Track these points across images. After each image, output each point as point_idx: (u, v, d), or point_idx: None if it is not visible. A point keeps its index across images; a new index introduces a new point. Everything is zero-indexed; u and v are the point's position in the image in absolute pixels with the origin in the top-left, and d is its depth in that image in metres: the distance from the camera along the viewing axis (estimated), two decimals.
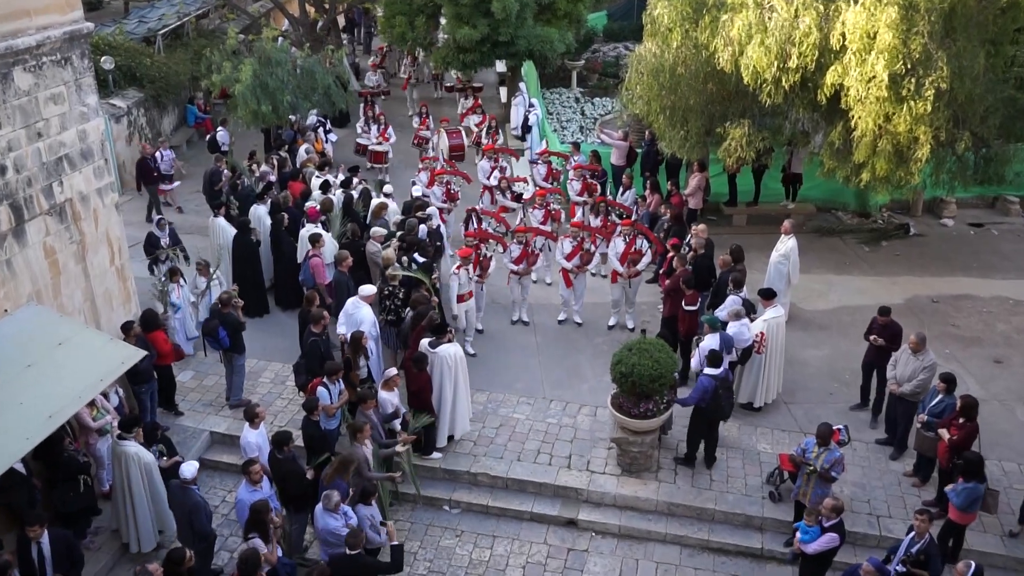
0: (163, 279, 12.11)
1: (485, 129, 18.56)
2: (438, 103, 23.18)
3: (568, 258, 13.10)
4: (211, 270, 12.52)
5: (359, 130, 19.30)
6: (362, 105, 20.03)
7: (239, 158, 17.27)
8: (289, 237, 13.69)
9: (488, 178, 16.15)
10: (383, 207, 14.02)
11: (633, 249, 12.82)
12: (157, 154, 17.33)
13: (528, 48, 19.52)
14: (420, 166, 16.41)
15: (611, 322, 13.35)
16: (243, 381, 11.71)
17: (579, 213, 14.99)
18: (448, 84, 23.16)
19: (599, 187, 15.60)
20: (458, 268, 12.07)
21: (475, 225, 13.89)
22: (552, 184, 16.14)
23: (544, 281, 14.66)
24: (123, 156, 18.55)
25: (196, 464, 8.84)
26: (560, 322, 13.45)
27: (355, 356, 10.52)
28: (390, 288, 11.69)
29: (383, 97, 21.74)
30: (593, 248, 13.21)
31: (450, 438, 10.73)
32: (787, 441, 10.92)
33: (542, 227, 14.16)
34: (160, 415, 11.14)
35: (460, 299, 12.25)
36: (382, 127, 18.85)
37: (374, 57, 24.50)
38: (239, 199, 14.76)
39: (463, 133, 18.88)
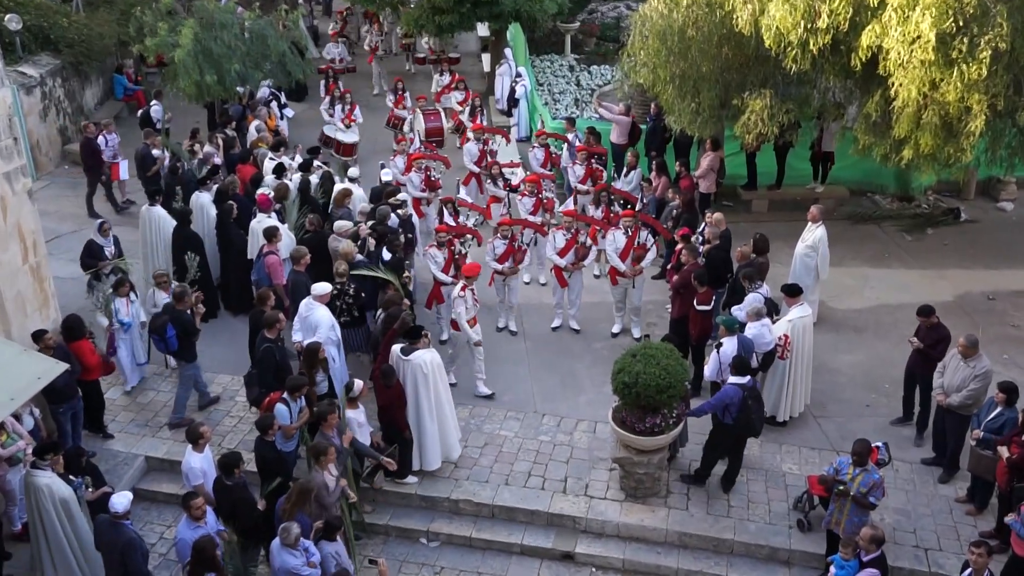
0: (107, 290, 11.70)
1: (468, 109, 18.44)
2: (410, 79, 23.02)
3: (561, 254, 13.01)
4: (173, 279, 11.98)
5: (324, 115, 19.02)
6: (323, 83, 19.90)
7: (178, 138, 17.13)
8: (239, 230, 13.60)
9: (477, 164, 16.06)
10: (347, 194, 13.96)
11: (636, 243, 12.78)
12: (101, 138, 16.77)
13: (514, 8, 19.51)
14: (395, 148, 16.34)
15: (615, 328, 13.33)
16: (187, 397, 11.63)
17: (570, 201, 14.89)
18: (420, 55, 23.11)
19: (602, 175, 15.55)
20: (464, 289, 11.62)
21: (450, 217, 13.78)
22: (548, 171, 16.10)
23: (538, 281, 14.65)
24: (37, 134, 18.37)
25: (129, 495, 8.74)
26: (554, 329, 13.44)
27: (310, 371, 10.46)
28: (338, 286, 11.65)
29: (346, 73, 21.57)
30: (590, 242, 13.20)
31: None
32: (817, 461, 10.92)
33: (531, 218, 14.12)
34: (85, 439, 11.02)
35: (471, 324, 11.87)
36: (348, 107, 18.72)
37: (334, 24, 24.30)
38: (179, 186, 14.62)
39: (442, 114, 18.77)
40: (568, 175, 15.77)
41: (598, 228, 13.54)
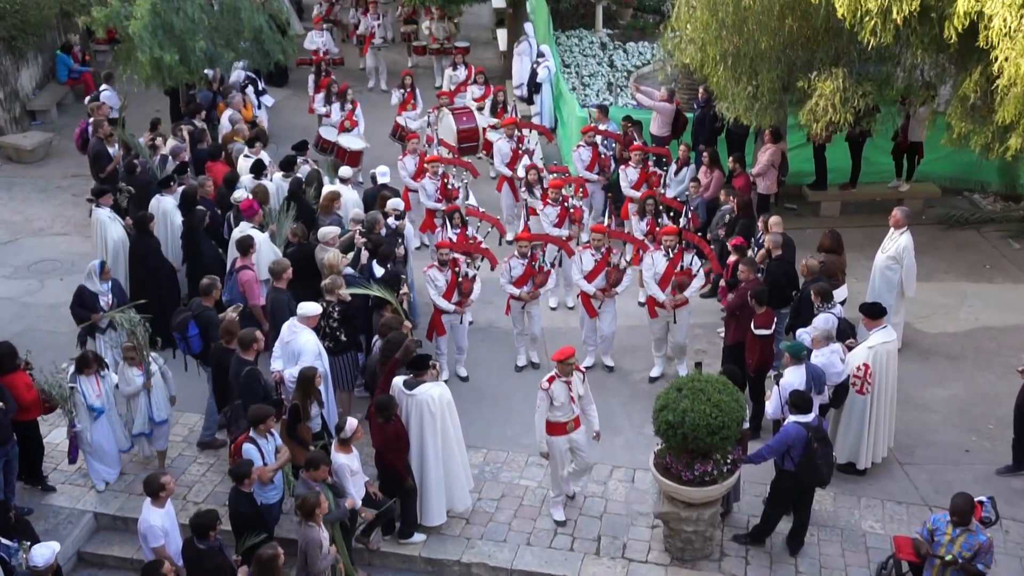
0: (68, 374, 10.98)
1: (489, 106, 18.31)
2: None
3: (589, 278, 12.86)
4: (148, 352, 11.24)
5: (318, 111, 18.70)
6: (313, 77, 19.74)
7: (136, 130, 17.26)
8: (210, 241, 13.67)
9: (509, 165, 15.92)
10: (334, 198, 14.02)
11: (679, 268, 12.65)
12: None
13: None
14: (407, 146, 16.23)
15: (654, 372, 13.19)
16: (215, 408, 11.76)
17: (588, 211, 14.54)
18: (420, 44, 22.85)
19: (660, 179, 15.30)
20: (551, 382, 10.53)
21: (454, 231, 13.60)
22: (598, 175, 15.98)
23: (565, 305, 14.60)
24: None
25: (54, 547, 8.63)
26: (586, 369, 13.31)
27: (304, 402, 10.47)
28: (324, 304, 11.66)
29: (333, 66, 21.21)
30: (624, 263, 12.97)
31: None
32: (905, 518, 10.85)
33: (554, 231, 14.00)
34: (20, 492, 11.05)
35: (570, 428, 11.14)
36: (348, 107, 18.26)
37: (318, 7, 24.00)
38: (137, 186, 14.74)
39: (475, 113, 18.27)
40: (621, 179, 15.48)
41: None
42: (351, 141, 17.63)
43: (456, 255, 12.79)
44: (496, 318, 13.87)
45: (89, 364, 10.97)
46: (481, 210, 14.66)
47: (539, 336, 13.46)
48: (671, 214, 14.04)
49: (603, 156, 16.09)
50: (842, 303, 12.06)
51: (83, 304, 12.34)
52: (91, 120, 16.29)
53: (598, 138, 16.20)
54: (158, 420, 11.32)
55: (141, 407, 11.22)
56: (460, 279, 12.62)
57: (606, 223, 13.51)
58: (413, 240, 14.39)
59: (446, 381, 12.41)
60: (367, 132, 18.48)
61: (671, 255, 12.62)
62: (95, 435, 11.06)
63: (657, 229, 13.55)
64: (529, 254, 12.88)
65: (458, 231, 13.61)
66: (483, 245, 13.52)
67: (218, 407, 11.51)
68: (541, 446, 10.74)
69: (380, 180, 14.93)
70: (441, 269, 12.59)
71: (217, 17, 17.62)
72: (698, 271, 12.69)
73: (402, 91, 18.82)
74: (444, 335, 12.83)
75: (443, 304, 12.60)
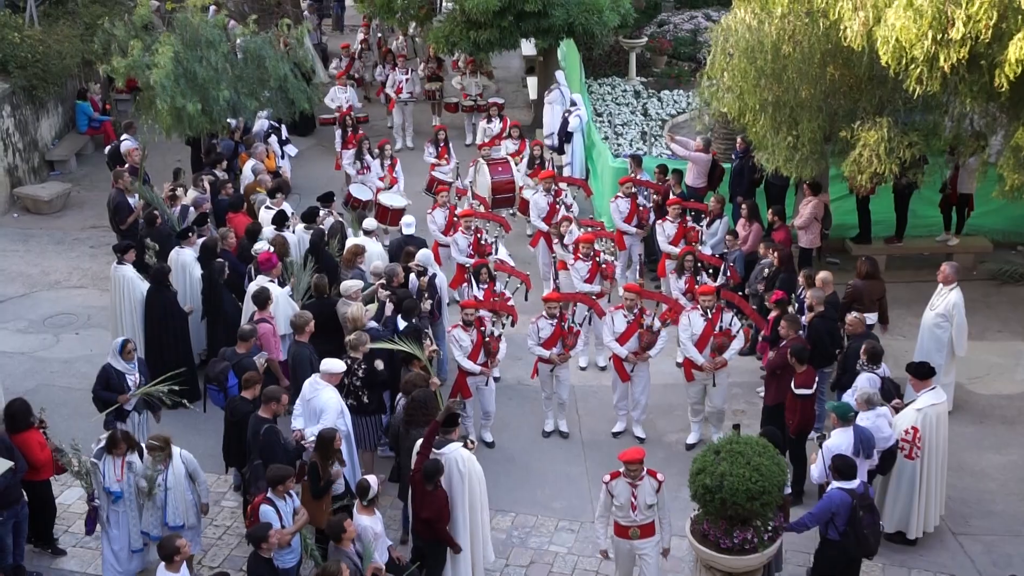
0: (89, 459, 10.53)
1: (526, 161, 18.24)
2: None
3: (621, 340, 12.69)
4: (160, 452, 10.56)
5: (347, 169, 18.68)
6: (338, 133, 19.49)
7: (156, 180, 17.49)
8: (231, 295, 13.77)
9: (546, 220, 15.87)
10: (358, 251, 14.08)
11: (718, 327, 12.52)
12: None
13: (567, 20, 19.82)
14: (436, 200, 16.24)
15: (691, 439, 13.04)
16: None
17: (625, 265, 14.41)
18: (451, 101, 22.51)
19: (699, 234, 15.18)
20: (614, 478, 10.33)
21: (480, 289, 13.57)
22: (636, 228, 15.93)
23: (596, 364, 14.54)
24: None
25: None
26: (615, 435, 13.21)
27: (324, 464, 10.46)
28: (347, 361, 11.68)
29: (359, 123, 20.55)
30: (658, 325, 12.76)
31: None
32: None
33: (585, 287, 13.92)
34: (29, 556, 11.05)
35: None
36: (387, 164, 18.07)
37: (336, 62, 23.75)
38: (156, 239, 14.84)
39: (512, 165, 18.18)
40: (659, 234, 15.41)
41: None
42: (392, 199, 17.38)
43: (482, 314, 12.74)
44: (524, 375, 13.84)
45: (117, 444, 10.39)
46: (511, 265, 14.67)
47: (567, 400, 13.31)
48: (710, 271, 13.97)
49: (641, 208, 16.04)
50: (870, 327, 12.14)
51: (109, 386, 11.71)
52: (117, 185, 16.32)
53: (636, 188, 16.15)
54: (172, 524, 10.46)
55: (156, 500, 10.51)
56: (486, 339, 12.53)
57: (638, 282, 13.38)
58: (445, 292, 14.41)
59: (491, 444, 12.50)
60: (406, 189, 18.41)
61: (709, 315, 12.51)
62: (111, 523, 10.56)
63: (696, 287, 13.47)
64: (558, 314, 12.77)
65: (485, 287, 13.60)
66: (510, 302, 13.49)
67: (224, 457, 11.56)
68: (599, 543, 10.46)
69: (405, 231, 15.02)
70: (466, 329, 12.50)
71: (241, 66, 17.86)
72: (738, 331, 12.57)
73: (435, 147, 18.81)
74: (470, 398, 12.72)
75: (468, 365, 12.51)
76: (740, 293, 14.08)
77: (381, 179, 17.89)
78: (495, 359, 12.68)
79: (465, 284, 14.08)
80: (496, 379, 13.07)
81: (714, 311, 12.52)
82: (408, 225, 15.18)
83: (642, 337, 12.64)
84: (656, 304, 13.16)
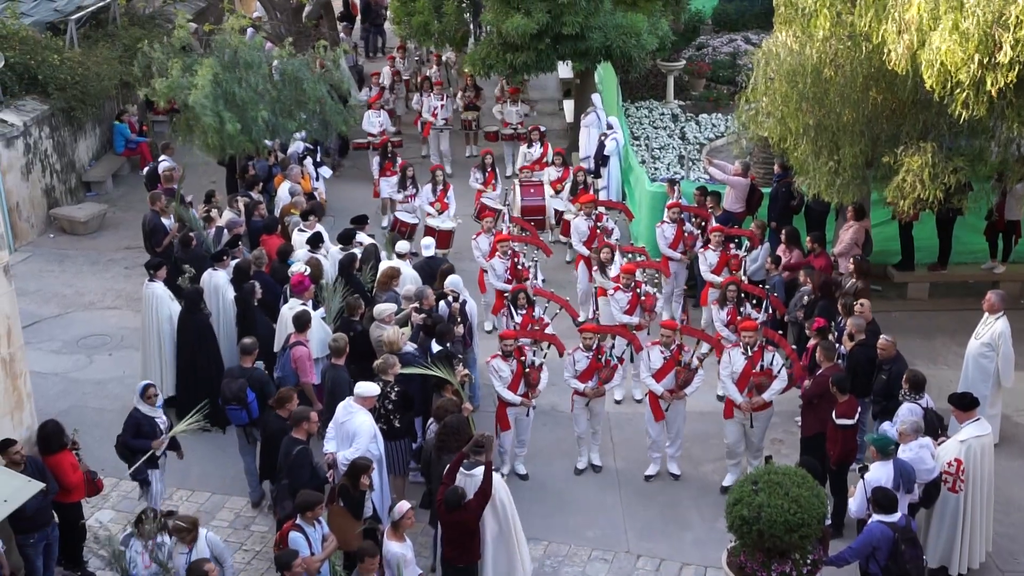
0: (116, 545, 9.97)
1: (569, 187, 18.15)
2: (465, 164, 21.61)
3: (657, 377, 12.47)
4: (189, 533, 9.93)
5: (388, 195, 18.75)
6: (376, 160, 19.43)
7: (192, 202, 17.62)
8: (264, 316, 13.82)
9: (587, 244, 15.72)
10: (394, 275, 14.10)
11: (759, 366, 12.24)
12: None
13: (604, 44, 19.86)
14: (482, 225, 16.24)
15: (726, 481, 12.57)
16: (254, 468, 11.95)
17: (664, 313, 13.98)
18: (491, 129, 22.19)
19: (742, 263, 14.96)
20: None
21: (520, 315, 13.48)
22: (682, 254, 15.74)
23: (632, 398, 14.29)
24: (17, 195, 19.03)
25: None
26: (648, 479, 12.92)
27: (356, 490, 10.47)
28: (378, 383, 11.66)
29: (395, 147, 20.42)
30: (696, 362, 12.51)
31: None
32: None
33: (624, 319, 13.71)
34: None
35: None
36: (440, 189, 17.84)
37: (368, 90, 23.36)
38: (191, 261, 14.90)
39: (544, 187, 18.21)
40: (700, 264, 15.20)
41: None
42: (439, 221, 17.55)
43: (521, 343, 12.60)
44: (559, 401, 13.77)
45: (142, 527, 9.83)
46: (551, 290, 14.58)
47: (600, 432, 13.12)
48: (754, 302, 13.80)
49: (687, 234, 15.84)
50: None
51: (140, 433, 11.38)
52: (154, 208, 16.42)
53: (684, 214, 16.00)
54: None
55: None
56: (526, 369, 12.38)
57: (679, 318, 13.09)
58: (476, 318, 14.37)
59: (504, 476, 12.30)
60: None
61: (750, 353, 12.24)
62: None
63: (738, 319, 13.29)
64: (595, 346, 12.58)
65: (523, 312, 13.52)
66: (549, 328, 13.41)
67: (259, 473, 11.69)
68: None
69: (425, 253, 15.11)
70: (506, 359, 12.34)
71: (279, 87, 18.04)
72: (780, 370, 12.22)
73: (482, 172, 18.74)
74: (509, 430, 12.59)
75: (509, 396, 12.35)
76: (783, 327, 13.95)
77: (432, 204, 17.80)
78: (536, 390, 12.49)
79: (503, 311, 13.99)
80: (533, 407, 12.86)
81: (755, 349, 12.24)
82: (427, 247, 15.25)
83: (679, 375, 12.41)
84: (697, 342, 12.89)
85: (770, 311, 13.75)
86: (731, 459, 12.70)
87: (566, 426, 13.46)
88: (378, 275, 14.23)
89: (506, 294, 14.30)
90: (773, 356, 12.25)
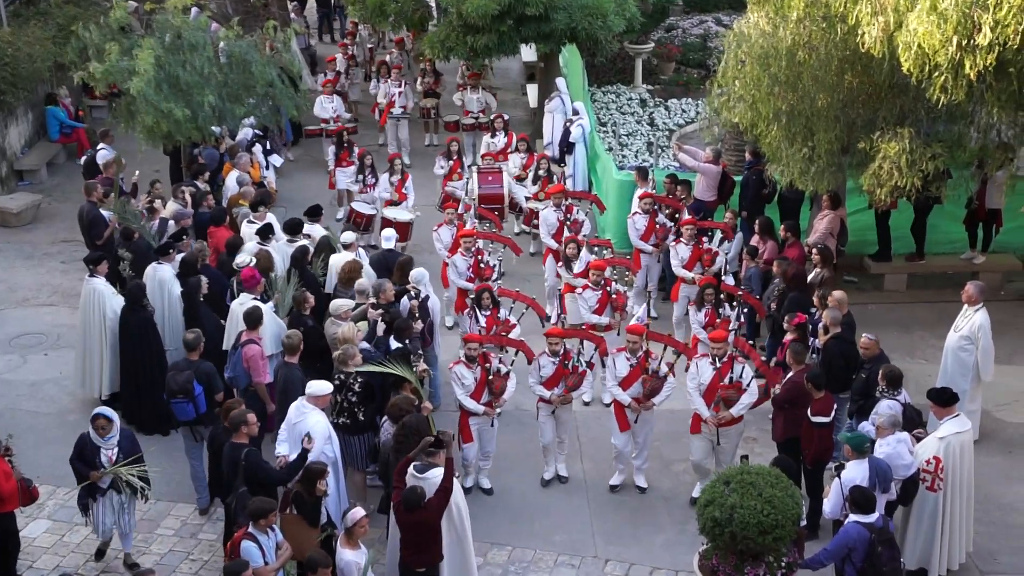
0: None
1: (532, 174, 18.20)
2: (424, 154, 21.66)
3: (624, 385, 12.28)
4: None
5: (344, 185, 18.68)
6: (332, 149, 19.31)
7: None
8: (211, 312, 13.72)
9: (556, 237, 15.64)
10: (356, 268, 14.02)
11: (728, 379, 11.94)
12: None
13: (570, 25, 19.86)
14: (444, 216, 16.13)
15: (695, 492, 12.30)
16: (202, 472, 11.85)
17: (636, 309, 13.64)
18: (452, 119, 22.00)
19: (715, 258, 14.89)
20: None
21: (484, 317, 13.31)
22: (653, 246, 15.68)
23: (601, 401, 14.04)
24: None
25: None
26: (613, 488, 12.80)
27: (310, 495, 10.43)
28: (341, 377, 11.67)
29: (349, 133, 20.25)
30: (665, 369, 12.22)
31: None
32: None
33: (594, 319, 13.62)
34: None
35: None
36: (398, 178, 17.74)
37: (322, 75, 23.06)
38: (134, 254, 14.79)
39: (503, 175, 18.09)
40: (672, 258, 15.08)
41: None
42: (398, 212, 17.38)
43: (486, 348, 12.37)
44: (524, 400, 13.74)
45: None
46: (516, 290, 14.48)
47: (566, 441, 12.90)
48: (733, 304, 13.69)
49: (659, 226, 15.79)
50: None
51: (82, 457, 11.18)
52: (90, 199, 16.21)
53: (658, 205, 15.96)
54: None
55: None
56: (490, 377, 12.16)
57: (645, 322, 12.60)
58: (438, 314, 14.34)
59: (468, 490, 12.21)
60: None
61: (719, 364, 11.92)
62: None
63: (717, 320, 13.29)
64: (562, 351, 12.34)
65: (488, 313, 13.37)
66: (517, 330, 13.32)
67: (210, 489, 11.69)
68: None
69: (385, 245, 15.04)
70: (469, 365, 12.10)
71: (226, 70, 17.83)
72: (749, 383, 11.92)
73: (447, 159, 18.66)
74: (471, 442, 12.34)
75: (471, 405, 12.10)
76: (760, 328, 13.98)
77: (386, 193, 17.74)
78: (500, 399, 12.28)
79: (467, 311, 13.84)
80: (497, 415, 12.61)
81: (725, 360, 11.93)
82: (388, 239, 15.15)
83: (646, 383, 12.14)
84: (663, 347, 12.45)
85: (741, 319, 13.73)
86: (699, 475, 12.40)
87: (532, 427, 13.42)
88: (340, 269, 14.10)
89: (469, 294, 14.19)
90: (743, 368, 11.95)
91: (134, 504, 11.35)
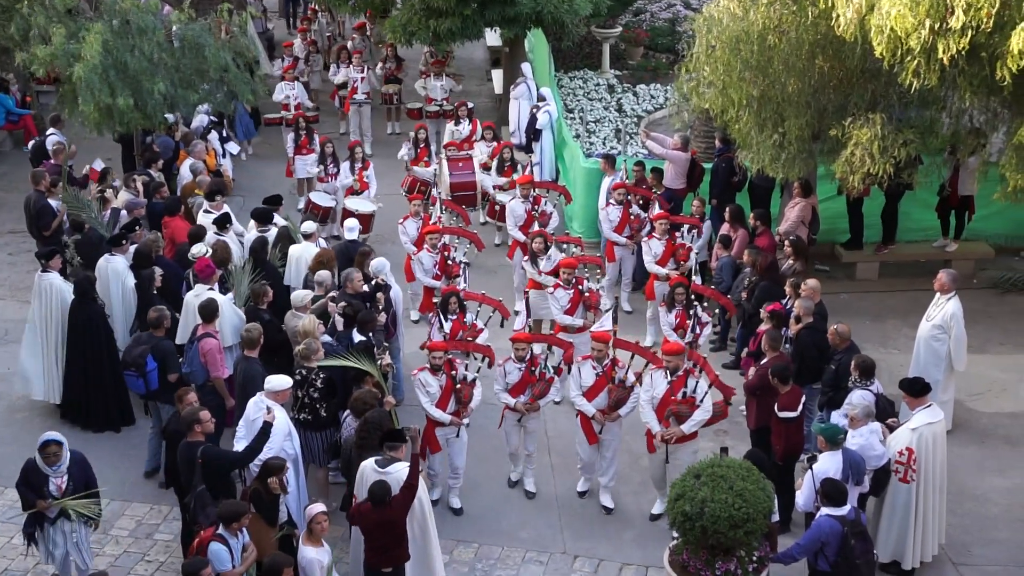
0: None
1: (496, 164, 18.20)
2: (386, 143, 21.87)
3: (589, 395, 11.97)
4: None
5: (303, 173, 18.69)
6: (290, 136, 19.22)
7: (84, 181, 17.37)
8: (166, 305, 13.66)
9: (523, 229, 15.58)
10: (329, 258, 14.11)
11: (681, 394, 11.53)
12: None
13: (535, 8, 19.89)
14: (411, 207, 16.09)
15: (656, 509, 12.19)
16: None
17: (608, 302, 13.58)
18: (415, 106, 21.97)
19: (689, 254, 14.80)
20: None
21: (449, 322, 13.23)
22: (627, 238, 15.62)
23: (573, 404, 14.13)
24: None
25: None
26: (581, 494, 12.66)
27: (269, 493, 10.40)
28: (303, 372, 11.67)
29: (309, 122, 20.34)
30: (632, 379, 11.95)
31: None
32: None
33: (565, 320, 13.48)
34: None
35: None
36: (359, 167, 17.76)
37: (280, 60, 22.91)
38: (85, 246, 14.77)
39: (474, 163, 18.09)
40: (645, 254, 15.06)
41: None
42: (360, 203, 17.29)
43: (452, 355, 12.21)
44: (488, 395, 13.74)
45: None
46: (481, 292, 14.34)
47: (533, 452, 12.67)
48: (704, 305, 13.66)
49: (633, 217, 15.78)
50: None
51: (28, 482, 10.54)
52: (40, 188, 16.08)
53: (631, 196, 16.01)
54: None
55: None
56: (457, 385, 11.94)
57: (611, 330, 12.30)
58: (400, 305, 14.32)
59: (435, 502, 12.02)
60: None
61: (673, 378, 11.60)
62: None
63: (687, 322, 13.29)
64: (528, 357, 12.21)
65: (454, 318, 13.25)
66: (484, 334, 13.22)
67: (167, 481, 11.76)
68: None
69: (348, 236, 15.03)
70: (434, 373, 11.86)
71: (177, 55, 17.70)
72: (703, 399, 11.55)
73: (414, 146, 18.62)
74: (439, 452, 12.11)
75: (437, 414, 11.82)
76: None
77: (349, 180, 17.70)
78: (467, 408, 12.02)
79: (432, 317, 13.62)
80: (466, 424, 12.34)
81: (679, 374, 11.60)
82: (350, 230, 15.11)
83: (611, 393, 11.87)
84: (631, 356, 12.25)
85: (715, 324, 13.71)
86: (659, 489, 12.16)
87: (496, 419, 13.47)
88: (312, 258, 14.08)
89: (435, 297, 14.11)
90: (697, 383, 11.60)
91: (88, 533, 10.83)
